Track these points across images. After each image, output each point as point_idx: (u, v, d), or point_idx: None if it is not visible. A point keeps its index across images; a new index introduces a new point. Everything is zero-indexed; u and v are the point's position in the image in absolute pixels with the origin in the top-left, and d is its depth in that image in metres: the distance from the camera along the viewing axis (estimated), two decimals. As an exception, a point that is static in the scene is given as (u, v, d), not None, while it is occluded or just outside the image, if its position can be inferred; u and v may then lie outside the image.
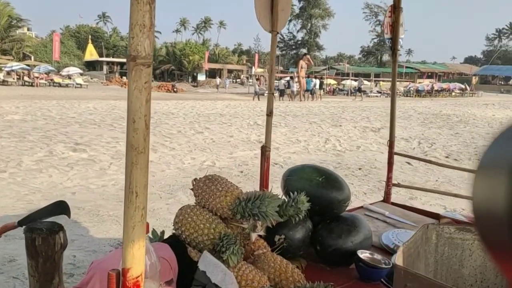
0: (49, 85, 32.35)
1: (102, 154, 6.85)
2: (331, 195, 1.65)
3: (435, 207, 5.06)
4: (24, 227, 1.64)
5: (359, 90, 30.56)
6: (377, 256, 1.59)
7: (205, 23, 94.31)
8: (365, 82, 46.62)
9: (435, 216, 2.13)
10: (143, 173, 0.62)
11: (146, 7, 0.61)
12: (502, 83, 60.37)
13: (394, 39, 2.28)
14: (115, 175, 5.68)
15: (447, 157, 8.08)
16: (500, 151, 0.26)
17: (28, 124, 9.87)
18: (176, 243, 1.46)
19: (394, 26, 2.28)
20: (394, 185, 2.39)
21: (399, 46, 2.31)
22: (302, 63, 24.66)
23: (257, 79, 33.35)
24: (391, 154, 2.33)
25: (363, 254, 1.59)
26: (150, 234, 1.56)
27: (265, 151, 1.77)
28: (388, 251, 1.80)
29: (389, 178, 2.36)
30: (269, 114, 1.78)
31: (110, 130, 9.48)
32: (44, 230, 1.70)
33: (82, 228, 3.94)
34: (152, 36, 0.63)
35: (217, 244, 1.39)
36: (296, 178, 1.71)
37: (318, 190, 1.65)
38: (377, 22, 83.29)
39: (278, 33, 1.77)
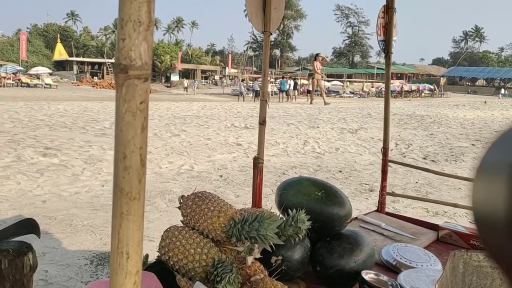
0: (17, 86, 31.37)
1: (75, 159, 6.55)
2: (332, 212, 1.51)
3: (417, 210, 5.03)
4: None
5: (308, 91, 27.63)
6: (383, 277, 1.46)
7: (177, 23, 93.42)
8: (338, 83, 47.20)
9: (434, 227, 2.03)
10: (136, 227, 0.43)
11: (143, -5, 0.42)
12: (469, 84, 62.13)
13: (387, 41, 2.17)
14: (89, 181, 5.42)
15: (424, 158, 8.12)
16: (500, 154, 0.25)
17: (-6, 128, 9.41)
18: (163, 271, 1.29)
19: (387, 28, 2.17)
20: (389, 194, 2.28)
21: (392, 48, 2.20)
22: (318, 64, 21.86)
23: (242, 80, 32.76)
24: (385, 162, 2.21)
25: (368, 275, 1.46)
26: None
27: (257, 162, 1.61)
28: (391, 269, 1.68)
29: (383, 186, 2.24)
30: (262, 122, 1.61)
31: (83, 133, 9.13)
32: (11, 251, 1.51)
33: (54, 239, 3.70)
34: (151, 38, 0.45)
35: (211, 273, 1.23)
36: (293, 192, 1.57)
37: (317, 206, 1.51)
38: (348, 24, 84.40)
39: (271, 33, 1.62)
